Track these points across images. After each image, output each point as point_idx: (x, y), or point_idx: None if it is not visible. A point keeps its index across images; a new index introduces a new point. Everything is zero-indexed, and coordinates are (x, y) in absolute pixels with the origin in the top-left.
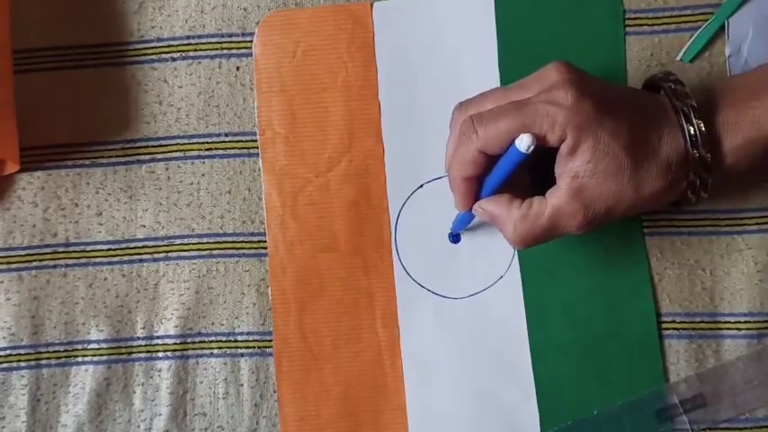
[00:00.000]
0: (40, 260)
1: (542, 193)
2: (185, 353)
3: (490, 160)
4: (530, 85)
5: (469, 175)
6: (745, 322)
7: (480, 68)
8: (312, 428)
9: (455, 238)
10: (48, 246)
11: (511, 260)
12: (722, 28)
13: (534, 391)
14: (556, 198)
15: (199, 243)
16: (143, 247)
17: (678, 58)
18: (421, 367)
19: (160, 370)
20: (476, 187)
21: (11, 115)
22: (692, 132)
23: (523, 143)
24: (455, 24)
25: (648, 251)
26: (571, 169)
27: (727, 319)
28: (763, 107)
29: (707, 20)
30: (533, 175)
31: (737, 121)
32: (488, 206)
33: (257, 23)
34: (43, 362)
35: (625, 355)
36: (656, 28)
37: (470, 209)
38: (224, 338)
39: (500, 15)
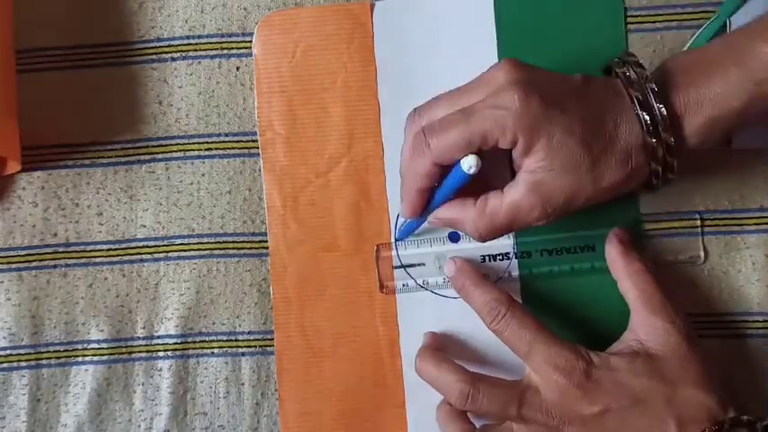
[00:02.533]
0: (41, 260)
1: (498, 185)
2: (186, 352)
3: (444, 170)
4: (477, 89)
5: (424, 186)
6: (743, 322)
7: (480, 68)
8: (312, 425)
9: (454, 237)
10: (48, 246)
11: (510, 260)
12: (724, 26)
13: None
14: (513, 193)
15: (199, 243)
16: (143, 246)
17: None
18: None
19: (160, 369)
20: (427, 197)
21: (13, 115)
22: (649, 120)
23: (466, 165)
24: (455, 24)
25: (648, 251)
26: (528, 166)
27: (726, 318)
28: (723, 83)
29: (709, 18)
30: (488, 169)
31: (698, 101)
32: (444, 213)
33: (257, 23)
34: (43, 362)
35: None
36: (657, 25)
37: (418, 216)
38: (225, 338)
39: (500, 15)
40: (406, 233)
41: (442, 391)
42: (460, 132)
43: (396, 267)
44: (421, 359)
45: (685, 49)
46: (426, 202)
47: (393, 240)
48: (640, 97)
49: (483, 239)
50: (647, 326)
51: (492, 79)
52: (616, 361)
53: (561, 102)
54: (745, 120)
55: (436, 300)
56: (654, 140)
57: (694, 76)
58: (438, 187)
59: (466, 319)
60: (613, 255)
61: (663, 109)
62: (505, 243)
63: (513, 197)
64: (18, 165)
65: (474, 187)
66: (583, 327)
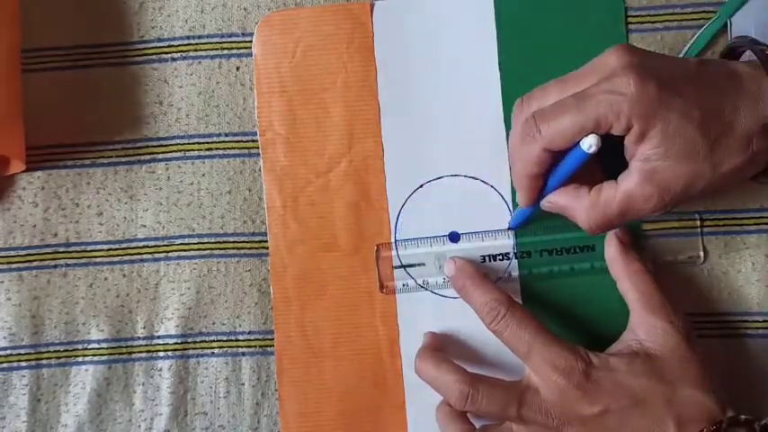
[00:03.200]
0: (41, 260)
1: (614, 176)
2: (186, 352)
3: (555, 155)
4: (589, 75)
5: (535, 173)
6: (743, 322)
7: (480, 68)
8: (312, 425)
9: (455, 238)
10: (48, 246)
11: (510, 260)
12: (724, 26)
13: None
14: (627, 183)
15: (199, 243)
16: (143, 247)
17: (680, 55)
18: None
19: (161, 369)
20: (541, 183)
21: (18, 114)
22: None
23: (586, 144)
24: (455, 24)
25: (647, 251)
26: (641, 153)
27: (726, 318)
28: None
29: (709, 18)
30: (604, 158)
31: None
32: (556, 198)
33: (257, 23)
34: (43, 362)
35: None
36: (658, 25)
37: (534, 204)
38: (225, 338)
39: (500, 15)
40: (519, 220)
41: (442, 391)
42: (574, 118)
43: (396, 267)
44: (420, 359)
45: (686, 48)
46: (541, 189)
47: (393, 240)
48: None
49: (593, 231)
50: (646, 326)
51: (604, 64)
52: (615, 361)
53: (677, 86)
54: None
55: (436, 300)
56: None
57: None
58: (552, 172)
59: (466, 319)
60: (612, 254)
61: None
62: (505, 243)
63: (626, 187)
64: (22, 164)
65: (585, 178)
66: (582, 327)
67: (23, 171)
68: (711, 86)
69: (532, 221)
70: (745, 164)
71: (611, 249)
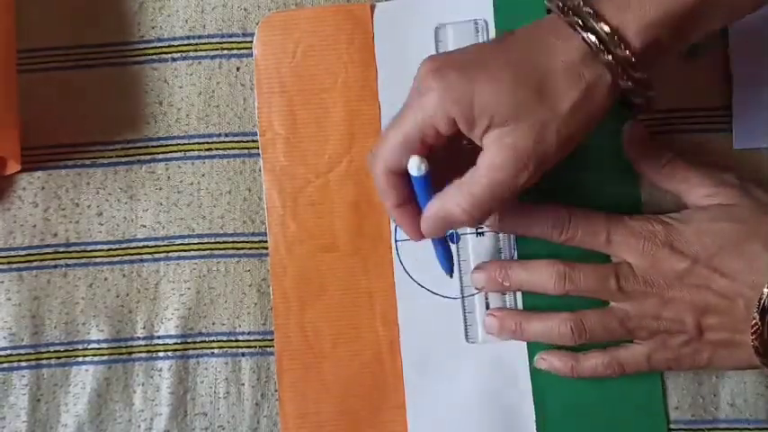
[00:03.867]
0: (41, 260)
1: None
2: (186, 353)
3: (406, 180)
4: (407, 99)
5: (398, 201)
6: None
7: None
8: (312, 426)
9: (454, 238)
10: (48, 246)
11: (510, 259)
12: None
13: (531, 387)
14: (482, 159)
15: (199, 243)
16: (143, 247)
17: (681, 55)
18: (420, 367)
19: (161, 370)
20: (414, 211)
21: (14, 115)
22: (594, 38)
23: (413, 167)
24: (454, 24)
25: None
26: (480, 134)
27: None
28: None
29: None
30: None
31: (641, 4)
32: (428, 213)
33: (257, 24)
34: (43, 362)
35: None
36: None
37: (421, 236)
38: (225, 338)
39: (499, 16)
40: (444, 260)
41: (539, 283)
42: (395, 132)
43: (396, 267)
44: (507, 269)
45: (685, 48)
46: (417, 217)
47: (393, 240)
48: (580, 22)
49: (474, 220)
50: (703, 191)
51: (414, 83)
52: (690, 214)
53: (478, 61)
54: (701, 17)
55: (436, 300)
56: (605, 54)
57: None
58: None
59: (467, 308)
60: (635, 156)
61: (604, 26)
62: (506, 244)
63: (483, 162)
64: (18, 165)
65: None
66: None
67: (24, 171)
68: (518, 45)
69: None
70: (584, 96)
71: (633, 154)
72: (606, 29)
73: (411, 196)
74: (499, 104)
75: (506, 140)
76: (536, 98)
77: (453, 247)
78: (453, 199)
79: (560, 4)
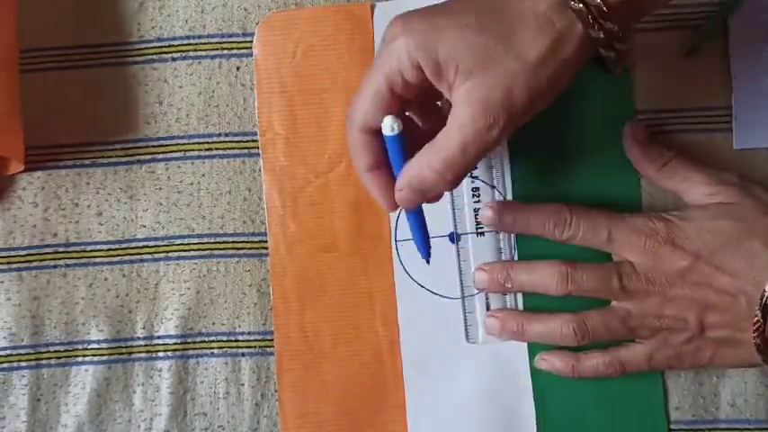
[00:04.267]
0: (41, 260)
1: None
2: (186, 353)
3: (381, 143)
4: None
5: (371, 162)
6: None
7: None
8: (312, 426)
9: (454, 238)
10: (48, 246)
11: (510, 259)
12: (725, 26)
13: (532, 391)
14: (452, 116)
15: (199, 243)
16: (143, 247)
17: (681, 55)
18: (420, 367)
19: (160, 370)
20: (388, 177)
21: (17, 114)
22: None
23: (387, 127)
24: None
25: None
26: (447, 86)
27: None
28: None
29: (709, 17)
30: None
31: None
32: (401, 180)
33: (257, 24)
34: (43, 362)
35: None
36: (657, 25)
37: (395, 205)
38: (225, 338)
39: None
40: (422, 242)
41: (541, 282)
42: (365, 87)
43: (396, 267)
44: (509, 270)
45: (685, 48)
46: (391, 184)
47: (393, 240)
48: None
49: (449, 183)
50: (703, 190)
51: (386, 29)
52: (691, 212)
53: (443, 9)
54: None
55: (436, 300)
56: (576, 2)
57: None
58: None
59: (467, 308)
60: (636, 157)
61: None
62: (506, 244)
63: (453, 120)
64: (21, 165)
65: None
66: None
67: (24, 171)
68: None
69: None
70: (553, 45)
71: (634, 154)
72: None
73: (384, 161)
74: (464, 51)
75: (474, 95)
76: (503, 46)
77: (453, 247)
78: (425, 162)
79: None
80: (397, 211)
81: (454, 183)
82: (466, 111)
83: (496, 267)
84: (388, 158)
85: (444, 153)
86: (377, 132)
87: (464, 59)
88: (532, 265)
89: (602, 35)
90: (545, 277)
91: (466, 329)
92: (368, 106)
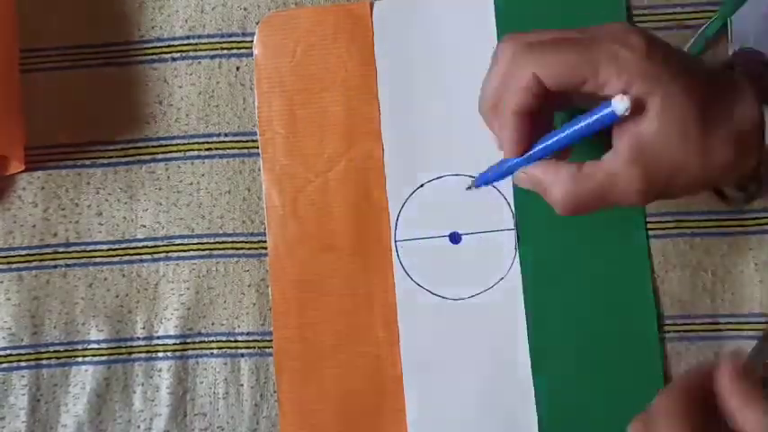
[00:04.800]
0: (41, 260)
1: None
2: (185, 353)
3: (547, 98)
4: (595, 31)
5: (523, 105)
6: (746, 323)
7: (480, 68)
8: (311, 427)
9: (455, 238)
10: (48, 246)
11: (512, 261)
12: (725, 26)
13: (533, 392)
14: (611, 160)
15: (199, 243)
16: (143, 247)
17: None
18: (420, 368)
19: (160, 370)
20: (528, 128)
21: (17, 114)
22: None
23: (621, 105)
24: (454, 24)
25: (651, 253)
26: (633, 127)
27: (729, 320)
28: None
29: (709, 18)
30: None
31: None
32: (533, 170)
33: (257, 23)
34: (43, 362)
35: (625, 356)
36: (658, 25)
37: (519, 155)
38: (224, 338)
39: (499, 15)
40: (486, 179)
41: None
42: (576, 52)
43: (396, 268)
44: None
45: (686, 48)
46: (530, 137)
47: (393, 240)
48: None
49: (566, 209)
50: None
51: (610, 27)
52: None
53: (684, 62)
54: None
55: (437, 301)
56: None
57: None
58: (558, 132)
59: (466, 321)
60: (725, 389)
61: None
62: (507, 242)
63: (611, 164)
64: (21, 165)
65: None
66: (587, 324)
67: (24, 171)
68: (711, 78)
69: (499, 180)
70: (735, 158)
71: (724, 384)
72: None
73: (533, 110)
74: (673, 114)
75: (645, 155)
76: (700, 139)
77: (454, 247)
78: (562, 185)
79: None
80: (397, 212)
81: (568, 213)
82: (629, 166)
83: None
84: (537, 116)
85: (582, 187)
86: (546, 97)
87: (666, 120)
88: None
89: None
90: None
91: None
92: (560, 67)
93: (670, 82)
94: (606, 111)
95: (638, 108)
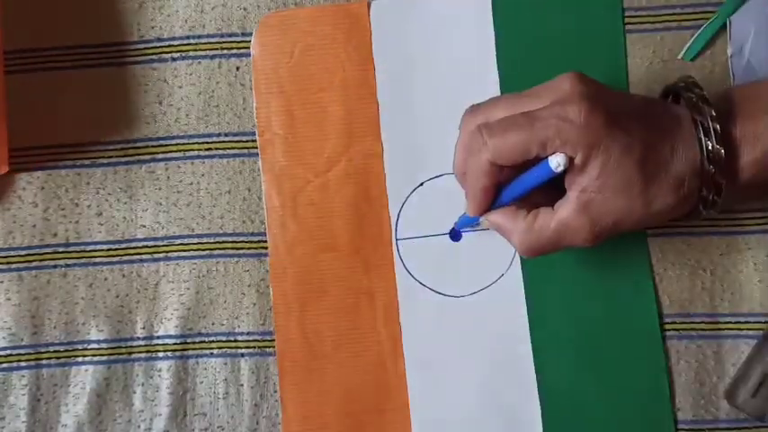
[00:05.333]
0: (40, 260)
1: (551, 198)
2: (185, 353)
3: (501, 170)
4: (541, 94)
5: (485, 185)
6: (746, 323)
7: (478, 67)
8: (315, 428)
9: (456, 236)
10: (48, 246)
11: (512, 258)
12: (724, 27)
13: (536, 388)
14: (563, 211)
15: (199, 243)
16: (143, 247)
17: (680, 56)
18: (423, 366)
19: (160, 370)
20: (492, 195)
21: (1, 117)
22: (710, 147)
23: (555, 162)
24: (452, 23)
25: (650, 251)
26: (580, 183)
27: (728, 319)
28: None
29: (709, 18)
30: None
31: (756, 134)
32: (495, 217)
33: (257, 23)
34: (43, 362)
35: (627, 352)
36: (657, 26)
37: (483, 214)
38: (224, 338)
39: (497, 14)
40: (464, 225)
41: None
42: (522, 136)
43: (397, 267)
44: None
45: (685, 48)
46: (491, 200)
47: (393, 240)
48: (705, 123)
49: (526, 254)
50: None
51: (557, 89)
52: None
53: (624, 121)
54: None
55: (438, 299)
56: (711, 168)
57: (754, 109)
58: (508, 187)
59: (468, 318)
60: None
61: (718, 137)
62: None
63: (561, 215)
64: (6, 167)
65: (524, 202)
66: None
67: (24, 171)
68: (654, 125)
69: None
70: (674, 205)
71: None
72: (719, 140)
73: (496, 185)
74: (615, 172)
75: (592, 208)
76: (642, 188)
77: (454, 245)
78: (520, 234)
79: (692, 98)
80: (397, 211)
81: (528, 257)
82: (577, 217)
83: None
84: (498, 183)
85: (538, 236)
86: (502, 167)
87: (609, 177)
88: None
89: (711, 196)
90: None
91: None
92: (510, 150)
93: (609, 143)
94: (545, 169)
95: (582, 167)
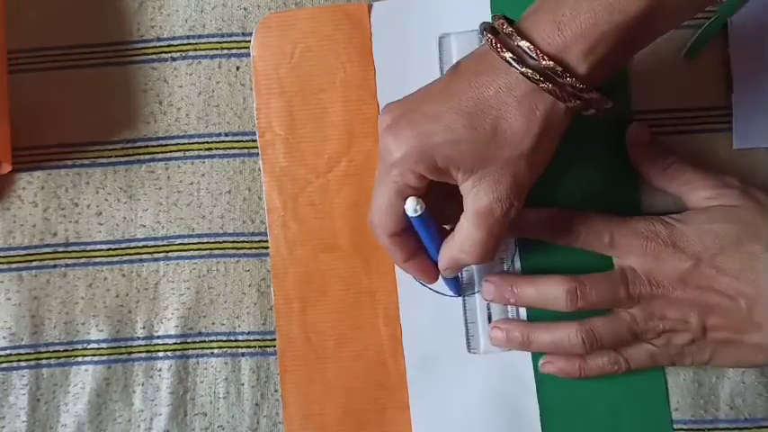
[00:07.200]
0: (40, 260)
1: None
2: (185, 353)
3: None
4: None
5: (406, 255)
6: None
7: None
8: (316, 427)
9: (458, 290)
10: (48, 246)
11: (512, 257)
12: (724, 26)
13: (536, 387)
14: (467, 205)
15: (199, 243)
16: (143, 246)
17: (681, 55)
18: (423, 365)
19: (160, 370)
20: (424, 261)
21: (4, 116)
22: (531, 71)
23: (410, 209)
24: (452, 24)
25: None
26: (455, 180)
27: None
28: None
29: (709, 18)
30: None
31: (571, 18)
32: (442, 262)
33: (257, 24)
34: (43, 362)
35: None
36: None
37: (436, 278)
38: (224, 338)
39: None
40: (455, 287)
41: (548, 301)
42: (379, 201)
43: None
44: (514, 285)
45: (686, 48)
46: (428, 265)
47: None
48: (515, 58)
49: (483, 260)
50: (707, 190)
51: (380, 139)
52: (692, 215)
53: (430, 113)
54: (644, 28)
55: (438, 299)
56: (548, 84)
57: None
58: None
59: (469, 317)
60: (638, 158)
61: (543, 60)
62: (507, 240)
63: (469, 209)
64: (9, 166)
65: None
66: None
67: (24, 171)
68: (464, 84)
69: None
70: (544, 127)
71: (636, 156)
72: (547, 63)
73: (418, 246)
74: (460, 154)
75: (483, 186)
76: (495, 142)
77: None
78: (458, 247)
79: (492, 40)
80: None
81: (491, 255)
82: (479, 201)
83: (502, 283)
84: (421, 244)
85: (472, 240)
86: (404, 230)
87: (462, 161)
88: (539, 281)
89: (579, 103)
90: (552, 294)
91: (467, 340)
92: (387, 218)
93: (431, 142)
94: (411, 216)
95: (441, 172)
